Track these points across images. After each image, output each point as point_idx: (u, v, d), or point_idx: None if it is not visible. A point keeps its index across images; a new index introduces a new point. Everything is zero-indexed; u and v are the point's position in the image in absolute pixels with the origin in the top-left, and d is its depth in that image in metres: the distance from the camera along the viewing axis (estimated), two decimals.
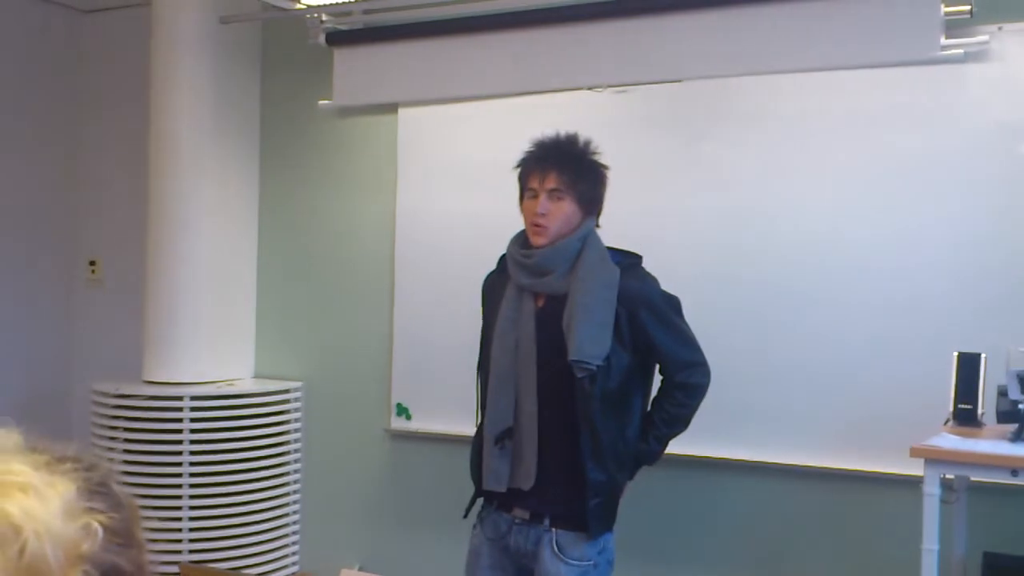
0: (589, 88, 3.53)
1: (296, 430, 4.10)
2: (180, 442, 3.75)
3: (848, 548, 3.19)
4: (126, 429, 3.81)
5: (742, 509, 3.34)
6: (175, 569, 3.58)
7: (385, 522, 3.99)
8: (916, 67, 3.06)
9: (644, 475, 3.44)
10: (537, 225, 2.50)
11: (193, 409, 3.77)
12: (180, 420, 3.76)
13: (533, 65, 3.60)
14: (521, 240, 2.59)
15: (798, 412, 3.21)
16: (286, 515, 4.05)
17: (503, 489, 2.51)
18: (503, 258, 2.67)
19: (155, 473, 3.75)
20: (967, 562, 2.84)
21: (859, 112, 3.15)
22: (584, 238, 2.51)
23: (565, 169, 2.50)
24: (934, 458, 2.42)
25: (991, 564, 2.81)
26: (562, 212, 2.49)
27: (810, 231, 3.21)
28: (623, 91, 3.49)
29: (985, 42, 2.97)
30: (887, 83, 3.11)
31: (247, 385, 4.07)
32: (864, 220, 3.14)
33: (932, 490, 2.41)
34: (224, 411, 3.83)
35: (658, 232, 3.41)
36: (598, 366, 2.41)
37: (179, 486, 3.74)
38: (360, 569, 4.02)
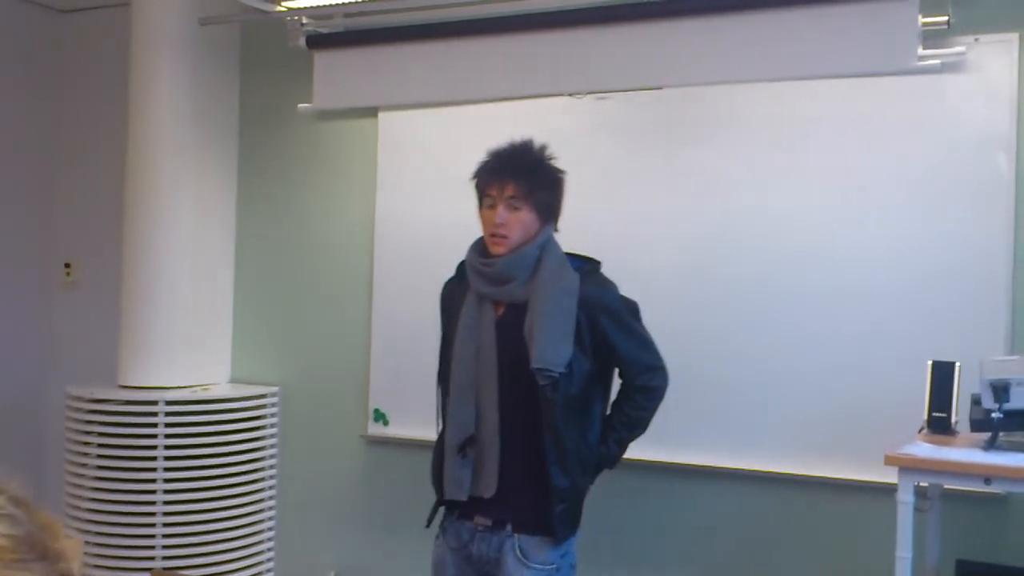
0: (570, 94, 3.54)
1: (272, 435, 4.07)
2: (155, 447, 3.71)
3: (822, 555, 3.20)
4: (100, 434, 3.77)
5: (716, 516, 3.34)
6: (147, 575, 3.56)
7: (362, 528, 3.97)
8: (893, 77, 3.08)
9: (622, 482, 3.45)
10: (496, 235, 2.51)
11: (168, 414, 3.74)
12: (155, 425, 3.72)
13: (514, 71, 3.60)
14: (480, 248, 2.60)
15: (772, 420, 3.21)
16: (261, 521, 4.02)
17: (464, 497, 2.52)
18: (461, 265, 2.67)
19: (129, 479, 3.71)
20: (940, 569, 2.85)
21: (836, 122, 3.17)
22: (543, 245, 2.53)
23: (522, 178, 2.51)
24: (908, 466, 2.43)
25: (964, 571, 2.83)
26: (520, 221, 2.50)
27: (787, 240, 3.22)
28: (603, 98, 3.49)
29: (962, 53, 3.00)
30: (865, 93, 3.13)
31: (223, 390, 4.04)
32: (840, 229, 3.15)
33: (906, 498, 2.42)
34: (200, 416, 3.79)
35: (637, 238, 3.42)
36: (560, 373, 2.42)
37: (153, 492, 3.70)
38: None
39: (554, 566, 2.48)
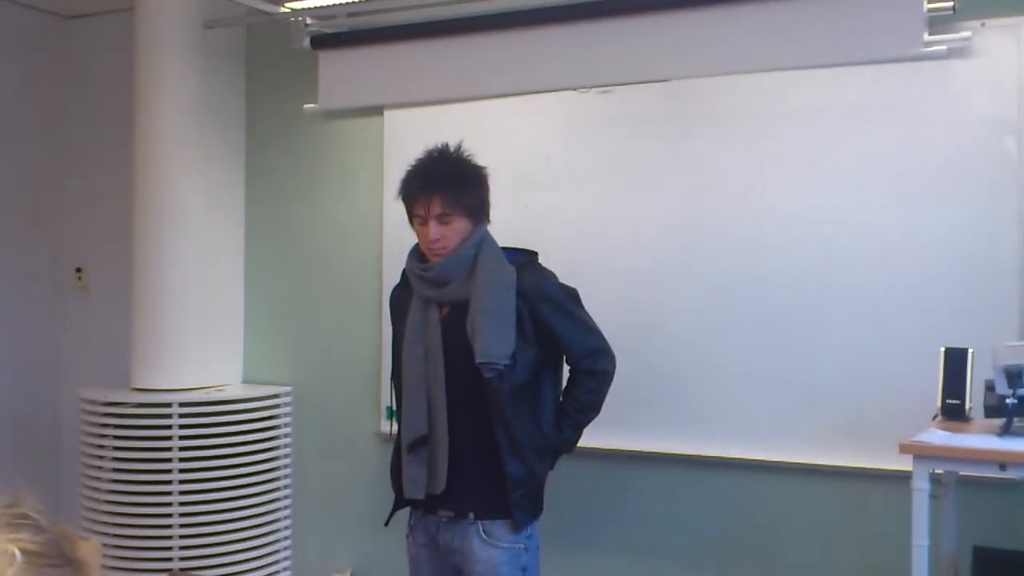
0: (574, 89, 3.53)
1: (286, 435, 4.09)
2: (169, 449, 3.73)
3: (838, 544, 3.20)
4: (115, 437, 3.79)
5: (732, 507, 3.34)
6: None
7: (378, 526, 3.95)
8: (899, 64, 3.07)
9: (640, 474, 3.45)
10: (433, 250, 2.57)
11: (182, 416, 3.76)
12: (169, 427, 3.74)
13: (518, 66, 3.60)
14: (418, 254, 2.65)
15: (787, 409, 3.21)
16: (277, 520, 4.04)
17: (421, 496, 2.59)
18: (405, 271, 2.73)
19: (145, 480, 3.73)
20: (957, 557, 2.85)
21: (843, 110, 3.16)
22: (478, 244, 2.58)
23: (448, 191, 2.54)
24: (923, 454, 2.43)
25: (982, 558, 2.82)
26: (454, 232, 2.56)
27: (795, 229, 3.22)
28: (608, 91, 3.49)
29: (968, 38, 2.98)
30: (871, 80, 3.12)
31: (236, 391, 4.06)
32: (849, 217, 3.15)
33: (921, 485, 2.42)
34: (213, 417, 3.81)
35: (643, 232, 3.42)
36: (505, 365, 2.48)
37: (169, 493, 3.72)
38: (352, 574, 4.00)
39: (521, 546, 2.57)
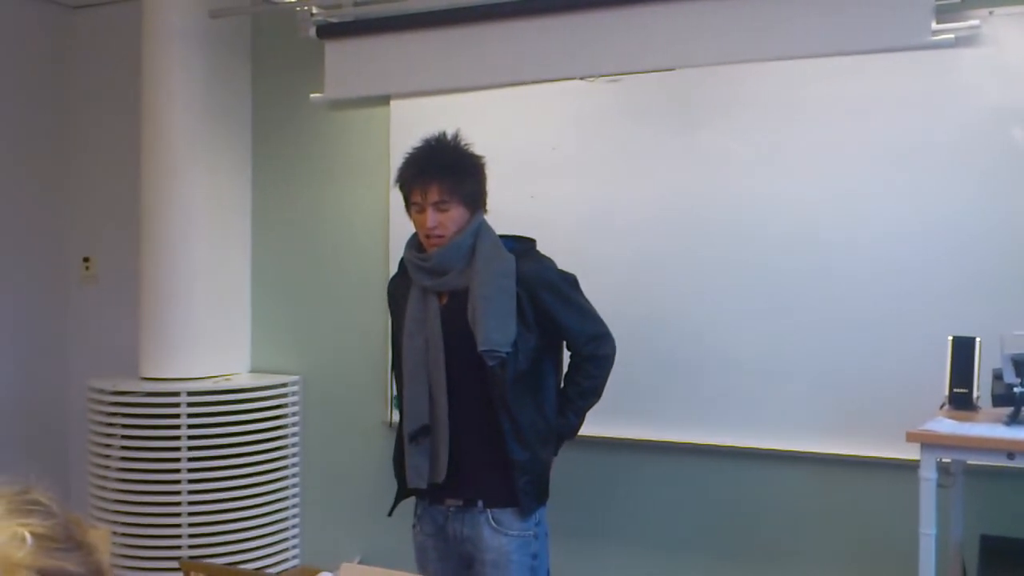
0: (582, 78, 3.53)
1: (294, 424, 4.11)
2: (178, 437, 3.75)
3: (845, 533, 3.21)
4: (124, 426, 3.81)
5: (741, 496, 3.35)
6: (175, 565, 3.60)
7: (385, 514, 3.99)
8: (907, 53, 3.06)
9: (646, 463, 3.46)
10: (431, 238, 2.57)
11: (190, 404, 3.77)
12: (177, 416, 3.76)
13: (525, 56, 3.59)
14: (416, 244, 2.65)
15: (794, 398, 3.22)
16: (285, 509, 4.06)
17: (424, 485, 2.60)
18: (403, 261, 2.73)
19: (154, 469, 3.75)
20: (964, 545, 2.85)
21: (851, 99, 3.15)
22: (476, 232, 2.58)
23: (445, 179, 2.54)
24: (930, 442, 2.43)
25: (989, 547, 2.82)
26: (451, 220, 2.55)
27: (803, 218, 3.22)
28: (616, 80, 3.49)
29: (976, 26, 2.97)
30: (879, 69, 3.11)
31: (244, 380, 4.07)
32: (857, 205, 3.14)
33: (928, 474, 2.42)
34: (221, 406, 3.83)
35: (650, 221, 3.42)
36: (507, 352, 2.49)
37: (178, 481, 3.74)
38: (361, 562, 4.02)
39: (531, 533, 2.58)
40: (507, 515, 2.57)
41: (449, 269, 2.57)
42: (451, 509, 2.62)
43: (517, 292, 2.54)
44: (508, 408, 2.52)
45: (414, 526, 2.73)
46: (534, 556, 2.59)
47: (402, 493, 2.73)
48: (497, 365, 2.50)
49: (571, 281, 2.68)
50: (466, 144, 2.63)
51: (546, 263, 2.67)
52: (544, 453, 2.62)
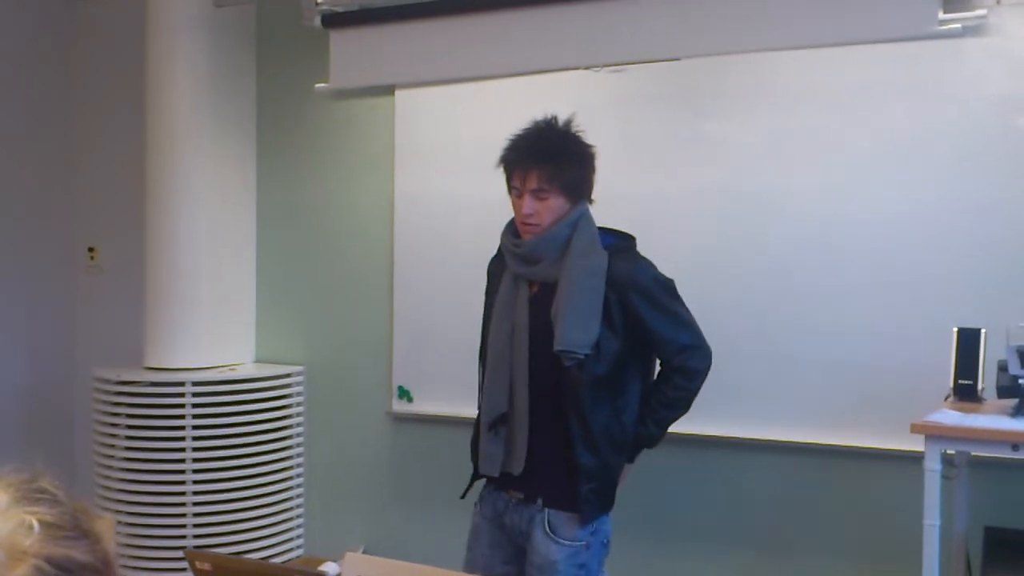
0: (586, 67, 3.52)
1: (298, 414, 4.11)
2: (183, 427, 3.76)
3: (850, 524, 3.21)
4: (128, 415, 3.82)
5: (745, 486, 3.35)
6: (179, 554, 3.61)
7: (389, 504, 4.01)
8: (914, 42, 3.04)
9: (653, 456, 3.46)
10: (526, 225, 2.47)
11: (195, 395, 3.78)
12: (182, 406, 3.77)
13: (530, 45, 3.58)
14: (513, 228, 2.56)
15: (799, 390, 3.21)
16: (290, 499, 4.07)
17: (496, 474, 2.53)
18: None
19: (158, 459, 3.76)
20: (969, 537, 2.85)
21: (857, 88, 3.14)
22: (574, 223, 2.46)
23: (545, 165, 2.43)
24: (935, 434, 2.43)
25: (993, 538, 2.82)
26: (549, 209, 2.44)
27: (809, 208, 3.20)
28: (620, 70, 3.47)
29: (983, 16, 2.95)
30: (886, 59, 3.10)
31: (248, 370, 4.08)
32: (863, 196, 3.13)
33: (933, 466, 2.42)
34: (226, 396, 3.84)
35: (656, 211, 3.41)
36: (586, 354, 2.38)
37: (182, 471, 3.75)
38: (365, 551, 4.03)
39: (583, 543, 2.47)
40: (563, 520, 2.46)
41: (541, 259, 2.46)
42: (512, 500, 2.53)
43: (606, 293, 2.40)
44: (581, 411, 2.41)
45: (476, 505, 2.63)
46: (581, 566, 2.47)
47: (475, 477, 2.64)
48: (574, 366, 2.38)
49: (667, 286, 2.51)
50: (577, 130, 2.49)
51: (642, 264, 2.51)
52: (615, 461, 2.49)
